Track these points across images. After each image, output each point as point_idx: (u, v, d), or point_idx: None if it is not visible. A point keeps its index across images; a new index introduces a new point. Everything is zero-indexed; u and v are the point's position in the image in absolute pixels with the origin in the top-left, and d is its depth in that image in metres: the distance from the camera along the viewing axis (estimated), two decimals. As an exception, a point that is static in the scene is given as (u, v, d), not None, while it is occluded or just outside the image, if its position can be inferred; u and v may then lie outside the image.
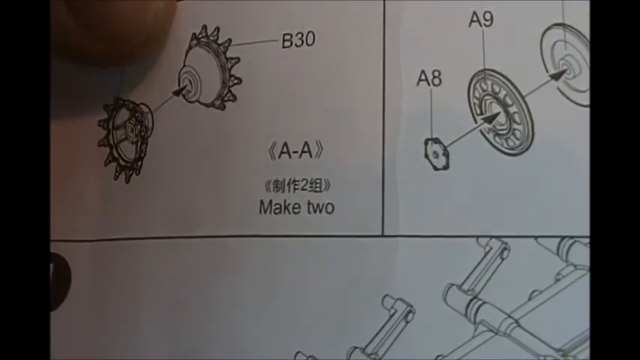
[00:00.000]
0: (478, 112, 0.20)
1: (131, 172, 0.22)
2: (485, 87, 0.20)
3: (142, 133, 0.22)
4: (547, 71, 0.20)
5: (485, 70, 0.20)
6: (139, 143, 0.22)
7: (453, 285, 0.19)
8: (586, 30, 0.20)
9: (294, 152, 0.20)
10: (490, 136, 0.19)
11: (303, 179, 0.20)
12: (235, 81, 0.21)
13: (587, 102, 0.19)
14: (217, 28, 0.22)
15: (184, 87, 0.22)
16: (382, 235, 0.19)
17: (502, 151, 0.19)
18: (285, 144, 0.20)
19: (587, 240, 0.18)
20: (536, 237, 0.19)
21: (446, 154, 0.19)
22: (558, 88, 0.19)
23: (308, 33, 0.21)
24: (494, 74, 0.20)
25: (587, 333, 0.18)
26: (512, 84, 0.20)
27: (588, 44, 0.20)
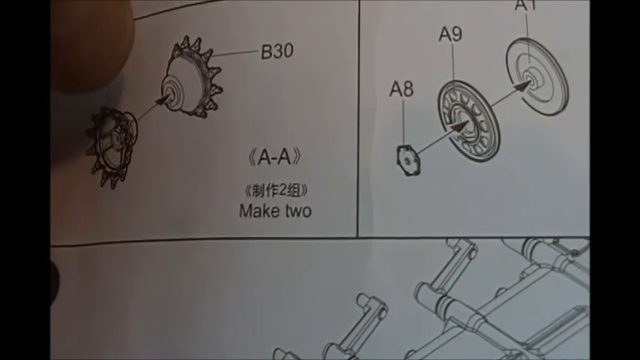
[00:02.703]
0: (448, 120, 0.21)
1: (116, 178, 0.22)
2: (454, 97, 0.21)
3: (127, 141, 0.23)
4: (512, 82, 0.21)
5: (454, 81, 0.21)
6: (124, 150, 0.23)
7: (424, 284, 0.20)
8: (548, 43, 0.21)
9: (273, 158, 0.21)
10: (459, 143, 0.20)
11: (282, 184, 0.21)
12: (216, 90, 0.22)
13: (550, 111, 0.20)
14: (199, 39, 0.23)
15: (167, 96, 0.22)
16: (357, 237, 0.20)
17: (470, 158, 0.20)
18: (265, 150, 0.21)
19: (551, 240, 0.19)
20: (502, 238, 0.20)
21: (417, 161, 0.20)
22: (523, 98, 0.21)
23: (286, 45, 0.22)
24: (463, 85, 0.21)
25: (550, 327, 0.19)
26: (480, 94, 0.21)
27: (551, 57, 0.21)
